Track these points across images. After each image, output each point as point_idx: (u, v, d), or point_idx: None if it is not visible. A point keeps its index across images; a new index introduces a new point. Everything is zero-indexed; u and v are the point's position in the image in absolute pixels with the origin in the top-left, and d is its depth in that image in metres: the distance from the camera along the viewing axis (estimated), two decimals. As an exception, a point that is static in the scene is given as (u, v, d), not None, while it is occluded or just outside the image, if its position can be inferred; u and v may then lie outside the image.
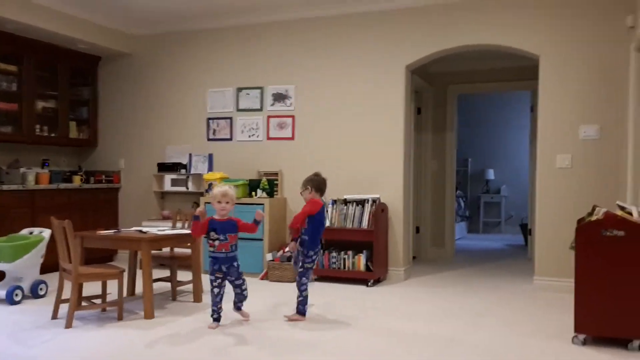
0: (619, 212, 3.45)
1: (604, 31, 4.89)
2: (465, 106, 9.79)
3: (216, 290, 3.82)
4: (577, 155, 4.98)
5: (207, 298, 4.65)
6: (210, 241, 3.79)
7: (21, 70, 5.88)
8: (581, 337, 3.43)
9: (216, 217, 3.81)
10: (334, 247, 5.50)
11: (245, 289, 3.91)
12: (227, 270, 3.81)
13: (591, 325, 3.38)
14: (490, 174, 10.33)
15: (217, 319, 3.84)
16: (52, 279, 4.83)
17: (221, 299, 3.84)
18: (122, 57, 6.75)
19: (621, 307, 3.29)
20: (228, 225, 3.79)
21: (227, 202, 3.78)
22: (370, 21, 5.66)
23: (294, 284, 4.09)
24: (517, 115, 9.96)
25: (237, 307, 3.96)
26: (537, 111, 5.34)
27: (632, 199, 4.43)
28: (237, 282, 3.86)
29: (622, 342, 3.35)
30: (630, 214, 3.40)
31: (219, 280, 3.82)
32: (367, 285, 5.22)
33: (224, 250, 3.77)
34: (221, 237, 3.76)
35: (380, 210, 5.37)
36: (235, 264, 3.83)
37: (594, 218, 3.44)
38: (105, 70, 6.88)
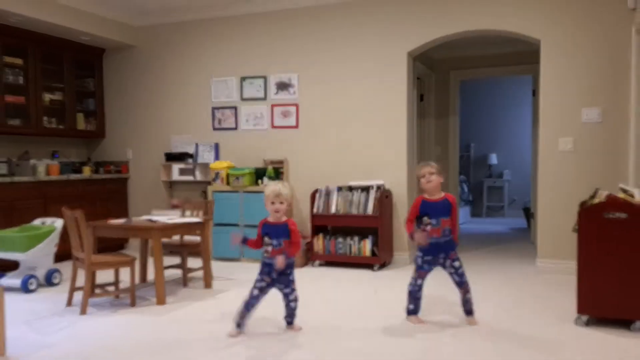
0: (622, 195, 3.47)
1: (606, 14, 4.90)
2: (468, 91, 9.81)
3: (255, 292, 3.32)
4: (579, 138, 5.02)
5: (217, 284, 4.76)
6: (265, 246, 3.33)
7: (27, 63, 5.92)
8: (584, 318, 3.49)
9: (270, 219, 3.34)
10: (339, 233, 5.58)
11: (294, 300, 3.41)
12: (277, 277, 3.32)
13: (594, 307, 3.44)
14: (493, 159, 10.37)
15: (239, 326, 3.36)
16: (66, 267, 4.92)
17: (254, 307, 3.35)
18: (126, 48, 6.79)
19: (624, 289, 3.34)
20: (281, 230, 3.31)
21: (281, 203, 3.29)
22: (371, 8, 5.68)
23: (301, 270, 4.12)
24: (519, 100, 9.97)
25: (287, 321, 3.47)
26: (538, 95, 5.38)
27: (635, 182, 4.48)
28: (286, 291, 3.38)
29: (624, 323, 3.40)
30: (633, 196, 3.43)
31: (263, 285, 3.32)
32: (373, 270, 5.31)
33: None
34: (274, 243, 3.29)
35: (384, 196, 5.43)
36: (288, 271, 3.34)
37: (596, 201, 3.47)
38: (109, 62, 6.93)
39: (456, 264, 3.48)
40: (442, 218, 3.41)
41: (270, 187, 3.36)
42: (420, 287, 3.55)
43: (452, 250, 3.48)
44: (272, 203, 3.30)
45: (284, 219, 3.35)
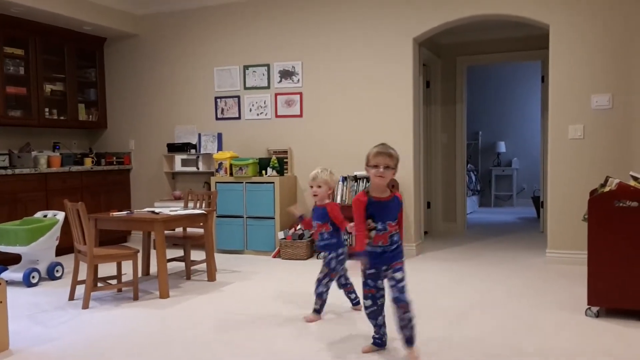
0: (633, 183, 3.41)
1: (617, -2, 4.78)
2: (475, 78, 9.67)
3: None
4: (589, 125, 4.91)
5: (220, 277, 4.72)
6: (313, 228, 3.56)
7: (28, 54, 5.87)
8: (594, 309, 3.43)
9: (317, 202, 3.55)
10: (345, 223, 5.51)
11: (322, 280, 3.47)
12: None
13: (604, 297, 3.37)
14: (502, 147, 10.25)
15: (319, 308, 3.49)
16: (68, 260, 4.90)
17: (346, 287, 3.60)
18: (127, 37, 6.72)
19: (635, 279, 3.27)
20: (318, 213, 3.52)
21: (319, 186, 3.49)
22: (377, -6, 5.57)
23: (306, 261, 4.08)
24: (528, 86, 9.84)
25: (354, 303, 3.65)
26: (547, 81, 5.26)
27: (646, 169, 4.39)
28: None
29: (636, 314, 3.35)
30: (644, 184, 3.36)
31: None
32: (379, 261, 5.23)
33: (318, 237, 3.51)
34: (314, 225, 3.56)
35: (391, 186, 5.33)
36: (327, 252, 3.51)
37: (607, 189, 3.40)
38: (111, 51, 6.86)
39: (398, 275, 2.73)
40: (390, 222, 2.74)
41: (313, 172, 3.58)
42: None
43: (398, 259, 2.76)
44: (311, 187, 3.55)
45: (326, 201, 3.55)
